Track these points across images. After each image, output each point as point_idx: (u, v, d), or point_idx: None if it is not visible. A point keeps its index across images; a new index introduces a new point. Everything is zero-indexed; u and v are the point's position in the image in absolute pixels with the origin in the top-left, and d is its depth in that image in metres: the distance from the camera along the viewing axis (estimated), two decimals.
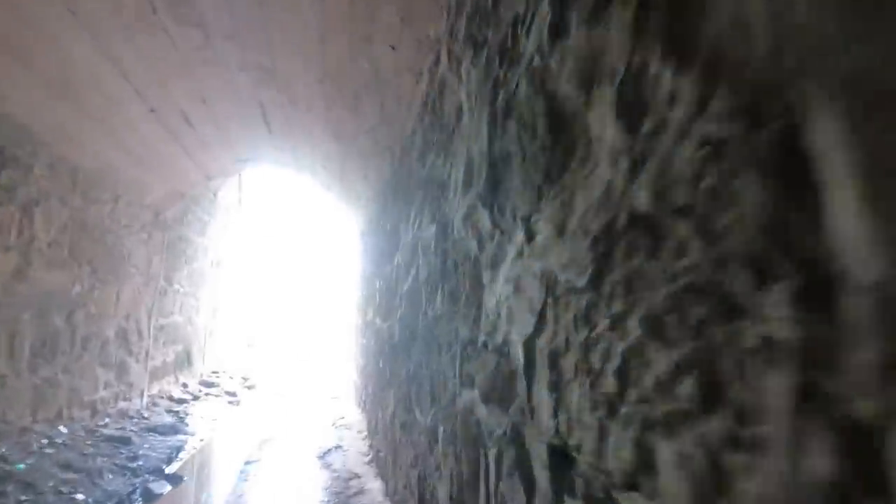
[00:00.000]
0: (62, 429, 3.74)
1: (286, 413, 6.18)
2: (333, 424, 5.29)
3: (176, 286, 6.39)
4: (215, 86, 3.92)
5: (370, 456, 3.80)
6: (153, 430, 4.70)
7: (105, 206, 4.35)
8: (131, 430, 4.45)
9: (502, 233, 1.17)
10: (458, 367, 1.52)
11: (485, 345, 1.28)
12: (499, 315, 1.17)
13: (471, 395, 1.39)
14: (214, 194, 7.90)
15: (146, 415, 5.27)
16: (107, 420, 4.52)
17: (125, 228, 4.76)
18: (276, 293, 15.68)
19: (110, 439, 3.93)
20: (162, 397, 6.14)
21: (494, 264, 1.21)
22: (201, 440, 4.82)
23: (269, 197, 13.65)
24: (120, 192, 4.57)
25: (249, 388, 8.10)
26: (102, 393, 4.55)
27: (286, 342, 12.69)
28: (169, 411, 5.65)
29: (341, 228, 10.21)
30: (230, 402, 6.67)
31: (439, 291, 1.84)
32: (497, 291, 1.18)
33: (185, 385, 6.81)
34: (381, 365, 3.59)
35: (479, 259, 1.34)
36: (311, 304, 15.25)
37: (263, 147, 5.37)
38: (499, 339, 1.17)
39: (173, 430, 4.83)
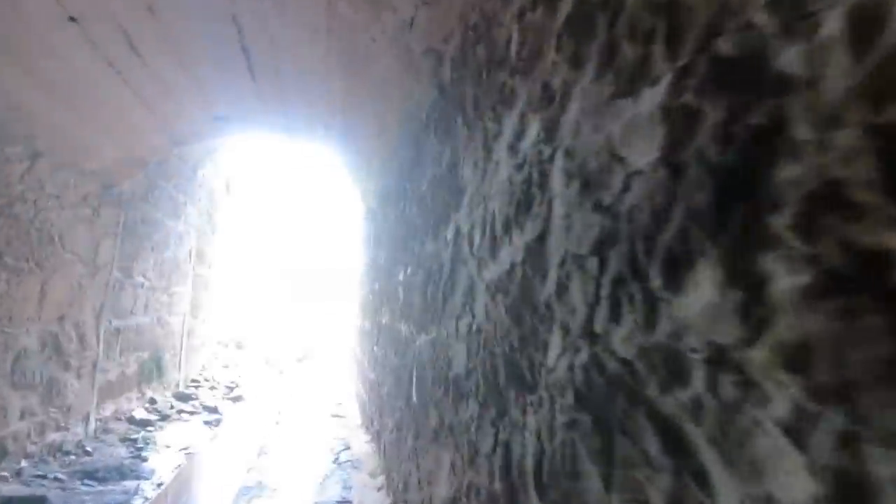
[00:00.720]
0: None
1: (277, 438, 4.93)
2: (336, 460, 4.05)
3: (138, 279, 5.12)
4: None
5: None
6: (91, 474, 3.45)
7: (14, 165, 3.07)
8: (55, 479, 3.20)
9: None
10: None
11: None
12: None
13: None
14: (193, 171, 6.62)
15: (90, 448, 4.01)
16: (22, 464, 3.26)
17: (53, 199, 3.48)
18: (271, 289, 14.42)
19: (9, 502, 2.68)
20: (119, 418, 4.88)
21: None
22: (159, 486, 3.56)
23: (262, 182, 12.39)
24: (41, 147, 3.29)
25: (235, 399, 6.85)
26: (17, 425, 3.28)
27: (281, 344, 11.43)
28: (124, 440, 4.40)
29: (345, 214, 8.97)
30: (208, 423, 5.41)
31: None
32: None
33: (152, 401, 5.55)
34: (414, 399, 2.33)
35: None
36: (310, 303, 14.01)
37: (245, 96, 4.09)
38: None
39: (120, 472, 3.57)
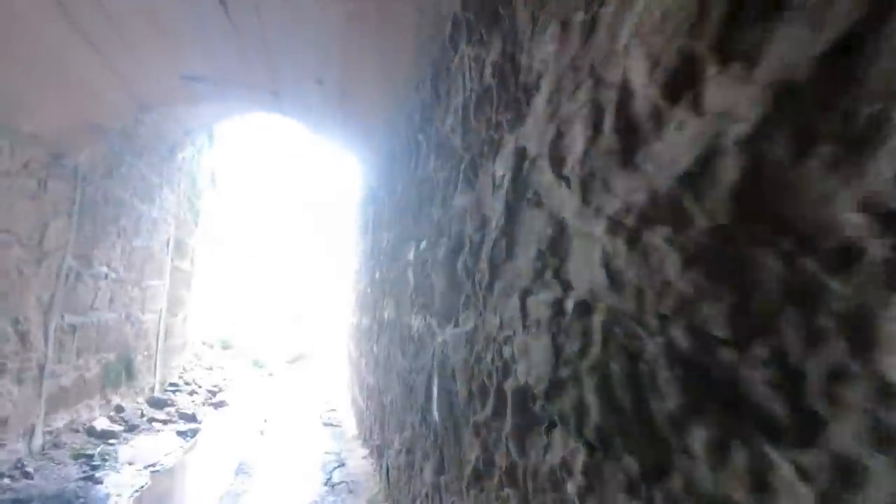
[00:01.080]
0: None
1: (260, 451, 4.27)
2: (329, 481, 3.40)
3: (101, 269, 4.44)
4: None
5: None
6: (26, 503, 2.78)
7: None
8: None
9: None
10: None
11: None
12: None
13: None
14: (171, 151, 5.95)
15: (31, 468, 3.33)
16: None
17: None
18: (260, 286, 13.72)
19: None
20: (77, 430, 4.20)
21: None
22: None
23: (250, 176, 11.73)
24: None
25: (217, 406, 6.17)
26: None
27: (272, 345, 10.73)
28: (78, 457, 3.72)
29: (340, 204, 8.34)
30: (183, 433, 4.74)
31: None
32: None
33: (119, 409, 4.87)
34: (435, 416, 1.69)
35: None
36: (303, 301, 13.32)
37: (222, 49, 3.43)
38: None
39: (61, 500, 2.90)
